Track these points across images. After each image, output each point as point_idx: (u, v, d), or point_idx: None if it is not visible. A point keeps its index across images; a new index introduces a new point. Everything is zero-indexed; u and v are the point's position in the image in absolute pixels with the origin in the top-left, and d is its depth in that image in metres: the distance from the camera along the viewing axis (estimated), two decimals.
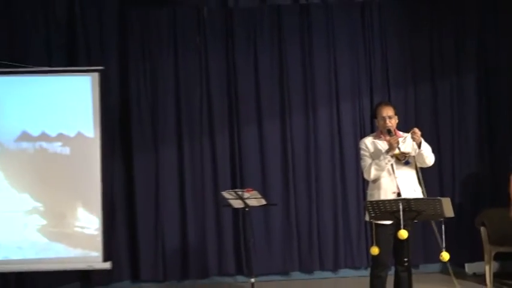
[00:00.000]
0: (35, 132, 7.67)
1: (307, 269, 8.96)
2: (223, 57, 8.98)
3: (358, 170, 8.02)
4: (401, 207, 5.57)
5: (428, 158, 6.31)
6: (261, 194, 7.26)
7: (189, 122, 8.91)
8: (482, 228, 8.14)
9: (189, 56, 8.92)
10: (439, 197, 5.73)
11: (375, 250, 5.80)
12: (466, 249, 8.72)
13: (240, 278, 8.87)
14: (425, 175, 6.37)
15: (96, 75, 7.69)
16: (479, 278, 8.33)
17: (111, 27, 8.81)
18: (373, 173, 6.28)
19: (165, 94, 8.89)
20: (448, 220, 5.70)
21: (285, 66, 8.99)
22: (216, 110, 8.95)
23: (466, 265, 8.72)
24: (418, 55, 9.06)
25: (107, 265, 7.72)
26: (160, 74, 8.88)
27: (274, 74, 9.00)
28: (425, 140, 6.33)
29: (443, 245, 5.54)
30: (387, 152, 6.23)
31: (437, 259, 5.88)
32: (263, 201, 7.23)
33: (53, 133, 7.68)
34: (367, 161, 6.38)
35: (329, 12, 9.01)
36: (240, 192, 7.13)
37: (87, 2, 8.74)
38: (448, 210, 5.63)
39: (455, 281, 6.89)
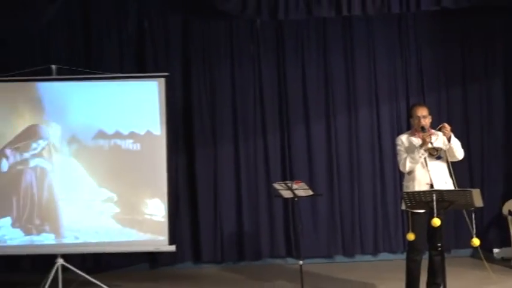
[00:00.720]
0: (109, 130, 7.73)
1: (349, 253, 8.89)
2: (274, 65, 8.95)
3: (395, 165, 7.82)
4: (435, 197, 5.46)
5: (458, 151, 6.19)
6: (308, 185, 7.21)
7: (244, 122, 8.89)
8: (509, 217, 8.04)
9: (244, 63, 8.90)
10: (469, 189, 5.62)
11: (410, 236, 5.72)
12: (494, 235, 8.64)
13: (290, 260, 8.80)
14: (456, 170, 6.22)
15: (162, 80, 7.74)
16: (507, 262, 8.21)
17: (175, 38, 8.82)
18: (408, 166, 6.19)
19: (223, 98, 8.88)
20: (477, 209, 5.57)
21: (329, 73, 8.93)
22: (268, 113, 8.92)
23: (494, 250, 8.60)
24: (450, 62, 8.94)
25: (172, 248, 7.76)
26: (218, 80, 8.86)
27: (320, 81, 8.93)
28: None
29: (474, 231, 5.42)
30: (421, 146, 6.13)
31: (467, 245, 5.76)
32: (310, 192, 7.15)
33: (125, 131, 7.74)
34: (402, 155, 6.29)
35: (369, 24, 8.91)
36: (289, 184, 7.08)
37: (155, 15, 8.76)
38: (478, 201, 5.54)
39: (486, 264, 6.76)
